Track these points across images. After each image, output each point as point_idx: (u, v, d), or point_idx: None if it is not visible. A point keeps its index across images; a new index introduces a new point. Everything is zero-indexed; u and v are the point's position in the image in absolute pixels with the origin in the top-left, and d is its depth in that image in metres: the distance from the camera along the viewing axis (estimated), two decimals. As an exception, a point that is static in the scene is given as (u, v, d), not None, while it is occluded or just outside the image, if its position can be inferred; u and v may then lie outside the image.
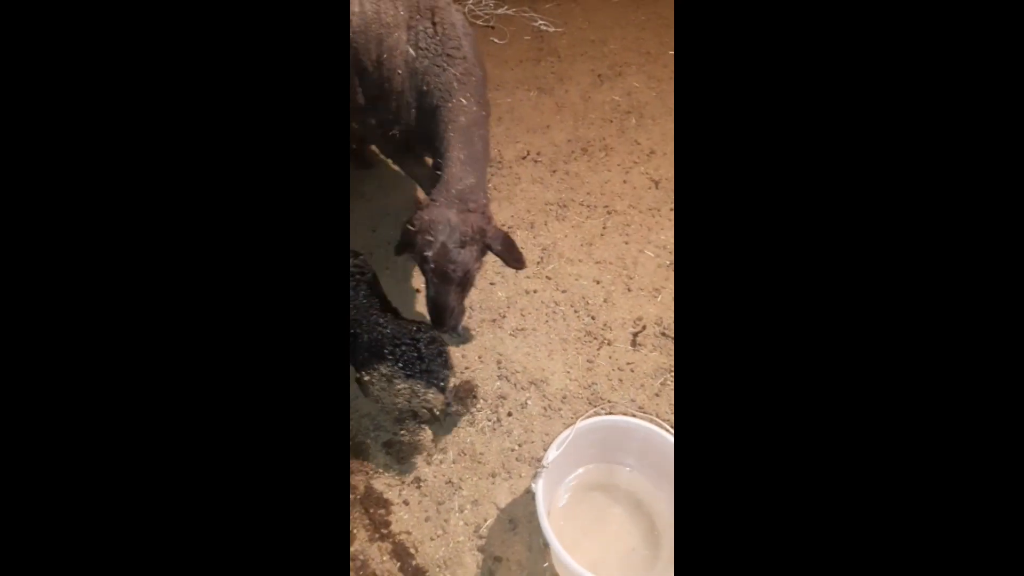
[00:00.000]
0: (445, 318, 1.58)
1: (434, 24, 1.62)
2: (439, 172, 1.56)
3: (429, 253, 1.46)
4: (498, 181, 2.41)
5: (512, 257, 1.58)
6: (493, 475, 1.55)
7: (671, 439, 1.34)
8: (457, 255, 1.45)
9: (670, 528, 1.36)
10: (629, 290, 2.04)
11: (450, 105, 1.56)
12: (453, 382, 1.63)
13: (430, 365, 1.50)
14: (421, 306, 1.97)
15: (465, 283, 1.56)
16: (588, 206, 2.33)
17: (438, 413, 1.51)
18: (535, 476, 1.28)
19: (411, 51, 1.58)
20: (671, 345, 1.88)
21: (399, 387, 1.46)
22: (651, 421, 1.40)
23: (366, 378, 1.49)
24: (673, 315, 1.95)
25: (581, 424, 1.35)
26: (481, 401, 1.72)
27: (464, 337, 1.86)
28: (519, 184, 2.41)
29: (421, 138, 1.69)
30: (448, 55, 1.58)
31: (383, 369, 1.48)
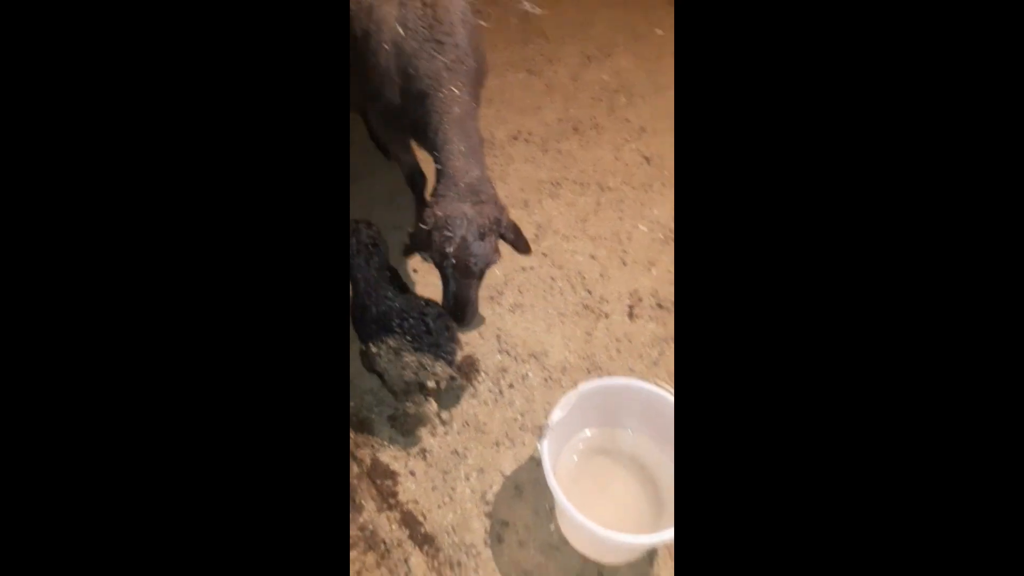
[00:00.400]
0: (468, 314, 1.61)
1: (426, 5, 1.59)
2: (439, 166, 1.54)
3: (450, 249, 1.46)
4: (491, 161, 2.42)
5: (521, 243, 1.59)
6: (497, 444, 1.58)
7: (671, 400, 1.37)
8: (478, 248, 1.46)
9: (668, 488, 1.39)
10: (624, 264, 2.07)
11: (441, 95, 1.53)
12: (457, 357, 1.65)
13: (438, 339, 1.52)
14: (419, 289, 1.99)
15: (483, 275, 1.58)
16: (581, 183, 2.35)
17: (443, 385, 1.53)
18: (540, 436, 1.31)
19: (400, 29, 1.57)
20: (667, 316, 1.91)
21: (407, 359, 1.48)
22: (653, 383, 1.43)
23: (373, 350, 1.51)
24: (668, 287, 1.98)
25: (584, 387, 1.38)
26: (483, 374, 1.74)
27: (476, 324, 1.88)
28: (512, 164, 2.42)
29: (409, 124, 1.67)
30: (438, 41, 1.56)
31: (391, 342, 1.50)
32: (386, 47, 1.59)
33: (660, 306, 1.94)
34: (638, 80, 2.87)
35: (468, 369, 1.66)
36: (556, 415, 1.33)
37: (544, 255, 2.09)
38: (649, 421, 1.43)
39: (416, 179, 2.02)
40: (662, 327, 1.88)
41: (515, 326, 1.88)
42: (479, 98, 1.74)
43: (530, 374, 1.75)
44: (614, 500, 1.43)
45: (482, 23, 3.24)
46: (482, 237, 1.46)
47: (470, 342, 1.83)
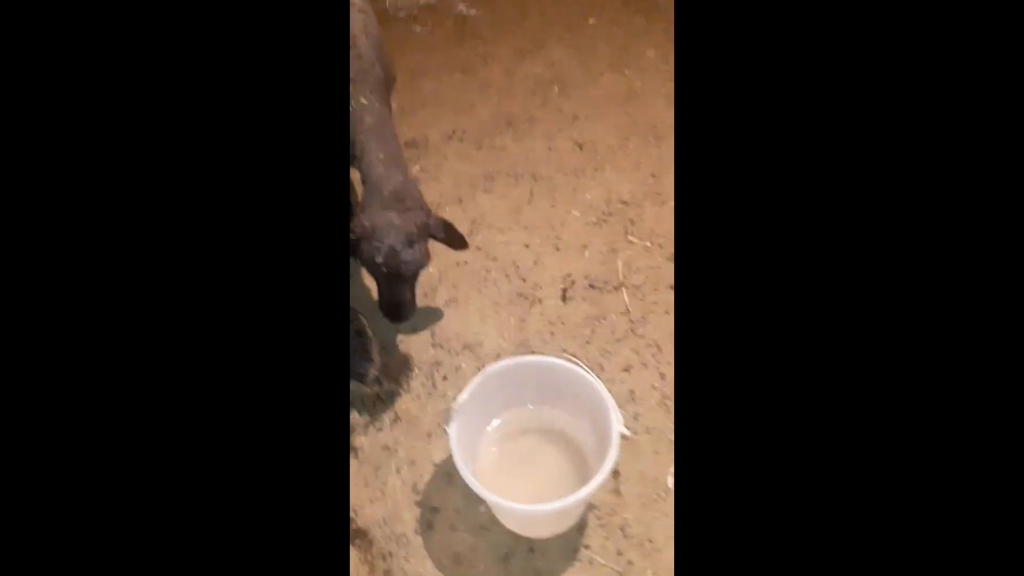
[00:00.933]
0: (403, 314, 1.64)
1: None
2: (361, 176, 1.58)
3: (379, 259, 1.50)
4: (425, 162, 2.46)
5: (454, 240, 1.63)
6: (429, 434, 1.61)
7: (583, 372, 1.40)
8: (407, 255, 1.49)
9: (594, 454, 1.41)
10: (558, 249, 2.10)
11: (351, 107, 1.57)
12: (383, 361, 1.67)
13: (351, 360, 1.56)
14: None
15: (416, 277, 1.61)
16: (515, 175, 2.38)
17: (370, 401, 1.57)
18: (447, 419, 1.34)
19: None
20: (598, 295, 1.94)
21: None
22: (567, 360, 1.46)
23: None
24: (600, 268, 2.01)
25: (492, 368, 1.41)
26: (416, 370, 1.77)
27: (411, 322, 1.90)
28: (445, 163, 2.46)
29: None
30: None
31: None
32: None
33: (592, 286, 1.97)
34: (571, 70, 2.91)
35: (398, 373, 1.69)
36: (462, 397, 1.36)
37: (478, 248, 2.12)
38: (567, 395, 1.45)
39: None
40: (594, 307, 1.91)
41: (449, 320, 1.91)
42: (390, 104, 1.78)
43: (463, 365, 1.78)
44: (540, 475, 1.45)
45: (417, 27, 3.28)
46: (411, 244, 1.49)
47: (404, 341, 1.85)
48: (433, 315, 1.92)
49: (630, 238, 2.10)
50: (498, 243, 2.13)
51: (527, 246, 2.11)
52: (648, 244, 2.07)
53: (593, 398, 1.35)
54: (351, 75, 1.58)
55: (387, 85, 1.76)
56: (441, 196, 2.31)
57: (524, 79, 2.88)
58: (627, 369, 1.74)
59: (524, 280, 2.01)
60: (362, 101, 1.59)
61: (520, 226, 2.18)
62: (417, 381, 1.75)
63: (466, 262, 2.07)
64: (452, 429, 1.30)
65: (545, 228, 2.17)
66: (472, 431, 1.43)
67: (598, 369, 1.75)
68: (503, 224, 2.19)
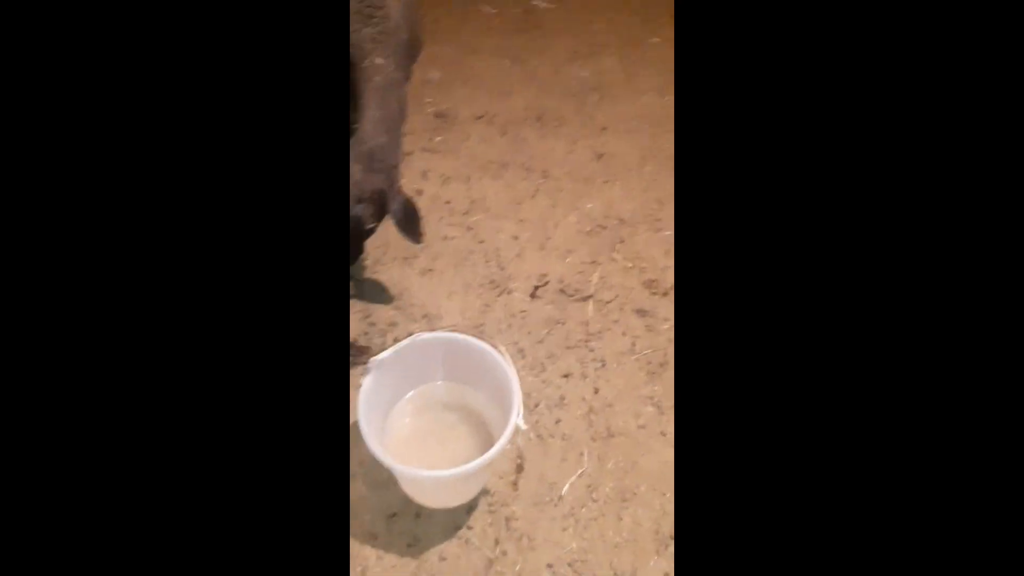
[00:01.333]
0: None
1: None
2: (354, 127, 1.65)
3: None
4: (447, 136, 2.53)
5: (409, 229, 1.66)
6: (358, 387, 1.68)
7: (503, 361, 1.44)
8: (354, 209, 1.56)
9: (500, 429, 1.43)
10: (543, 248, 2.14)
11: (364, 65, 1.64)
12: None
13: None
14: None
15: (358, 238, 1.67)
16: (527, 169, 2.43)
17: None
18: (364, 372, 1.41)
19: None
20: (566, 301, 1.98)
21: None
22: (488, 343, 1.50)
23: None
24: (577, 276, 2.04)
25: (422, 336, 1.47)
26: (371, 328, 1.84)
27: (360, 282, 1.98)
28: (467, 141, 2.52)
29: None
30: (365, 14, 1.66)
31: None
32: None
33: (563, 291, 2.01)
34: (616, 82, 2.93)
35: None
36: (383, 355, 1.42)
37: (468, 228, 2.18)
38: (488, 380, 1.50)
39: None
40: (558, 311, 1.95)
41: (420, 289, 1.98)
42: (409, 70, 1.84)
43: (416, 331, 1.85)
44: (447, 450, 1.51)
45: (487, 7, 3.34)
46: (359, 200, 1.56)
47: (367, 294, 1.93)
48: (405, 280, 1.99)
49: (614, 255, 2.13)
50: (489, 228, 2.18)
51: (515, 238, 2.16)
52: (629, 265, 2.09)
53: (505, 387, 1.40)
54: (373, 34, 1.65)
55: (410, 51, 1.82)
56: (452, 171, 2.37)
57: (568, 80, 2.92)
58: (566, 375, 1.78)
59: (502, 269, 2.06)
60: (377, 60, 1.66)
61: (516, 218, 2.23)
62: (365, 337, 1.82)
63: (454, 238, 2.14)
64: (364, 384, 1.37)
65: (538, 225, 2.21)
66: (388, 396, 1.49)
67: (539, 368, 1.79)
68: (500, 212, 2.25)
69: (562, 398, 1.73)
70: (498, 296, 1.98)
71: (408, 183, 2.30)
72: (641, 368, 1.80)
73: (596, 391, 1.75)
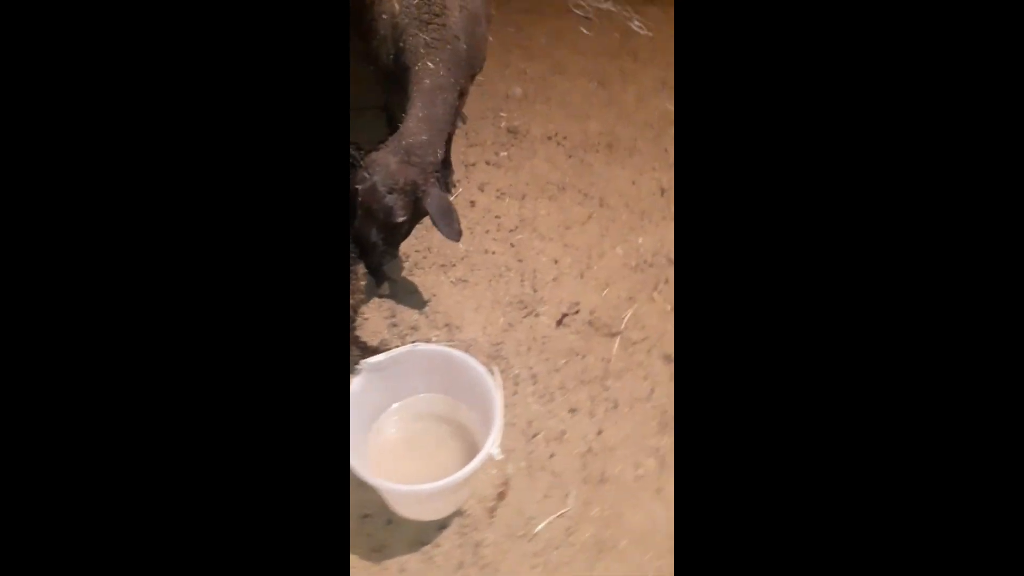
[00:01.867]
0: (365, 253, 1.75)
1: None
2: (399, 124, 1.71)
3: (360, 187, 1.63)
4: (514, 152, 2.53)
5: (446, 225, 1.67)
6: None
7: (483, 369, 1.44)
8: (383, 198, 1.60)
9: (483, 442, 1.42)
10: (581, 276, 2.09)
11: (417, 68, 1.70)
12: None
13: None
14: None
15: (390, 229, 1.69)
16: (585, 194, 2.39)
17: None
18: (353, 372, 1.43)
19: (396, 4, 1.74)
20: (592, 333, 1.92)
21: None
22: (479, 362, 1.49)
23: None
24: (610, 311, 1.98)
25: (419, 347, 1.48)
26: (395, 327, 1.88)
27: (394, 282, 2.02)
28: (532, 159, 2.51)
29: (397, 90, 1.84)
30: (423, 20, 1.72)
31: None
32: (384, 17, 1.77)
33: (590, 324, 1.95)
34: (700, 117, 2.82)
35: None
36: (378, 358, 1.44)
37: (512, 246, 2.17)
38: (482, 401, 1.49)
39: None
40: (582, 342, 1.90)
41: (449, 298, 1.99)
42: (463, 78, 1.87)
43: (435, 339, 1.86)
44: (432, 462, 1.51)
45: (583, 30, 3.33)
46: (391, 191, 1.59)
47: (397, 295, 1.97)
48: (437, 287, 2.02)
49: (655, 294, 2.05)
50: (532, 249, 2.16)
51: (556, 262, 2.13)
52: (668, 308, 2.00)
53: (491, 413, 1.38)
54: (427, 40, 1.70)
55: (468, 63, 1.85)
56: (508, 187, 2.38)
57: (650, 110, 2.84)
58: (573, 410, 1.73)
59: (535, 291, 2.04)
60: (428, 64, 1.71)
61: (561, 242, 2.20)
62: (390, 332, 1.86)
63: (494, 253, 2.14)
64: (352, 386, 1.39)
65: (582, 253, 2.17)
66: (377, 400, 1.51)
67: (548, 398, 1.75)
68: (547, 234, 2.22)
69: (563, 432, 1.68)
70: (524, 317, 1.95)
71: (464, 193, 2.33)
72: (654, 417, 1.72)
73: (600, 432, 1.68)
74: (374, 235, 1.68)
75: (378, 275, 1.86)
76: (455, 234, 1.70)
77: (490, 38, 2.28)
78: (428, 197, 1.64)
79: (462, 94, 1.93)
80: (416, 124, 1.66)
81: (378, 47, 1.81)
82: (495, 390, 1.41)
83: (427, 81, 1.70)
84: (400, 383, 1.54)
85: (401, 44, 1.75)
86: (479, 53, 1.91)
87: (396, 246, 1.82)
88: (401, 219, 1.65)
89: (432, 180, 1.67)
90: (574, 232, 2.24)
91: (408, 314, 1.93)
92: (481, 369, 1.46)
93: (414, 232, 2.10)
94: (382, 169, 1.59)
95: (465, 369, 1.48)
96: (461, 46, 1.78)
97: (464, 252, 2.13)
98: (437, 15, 1.72)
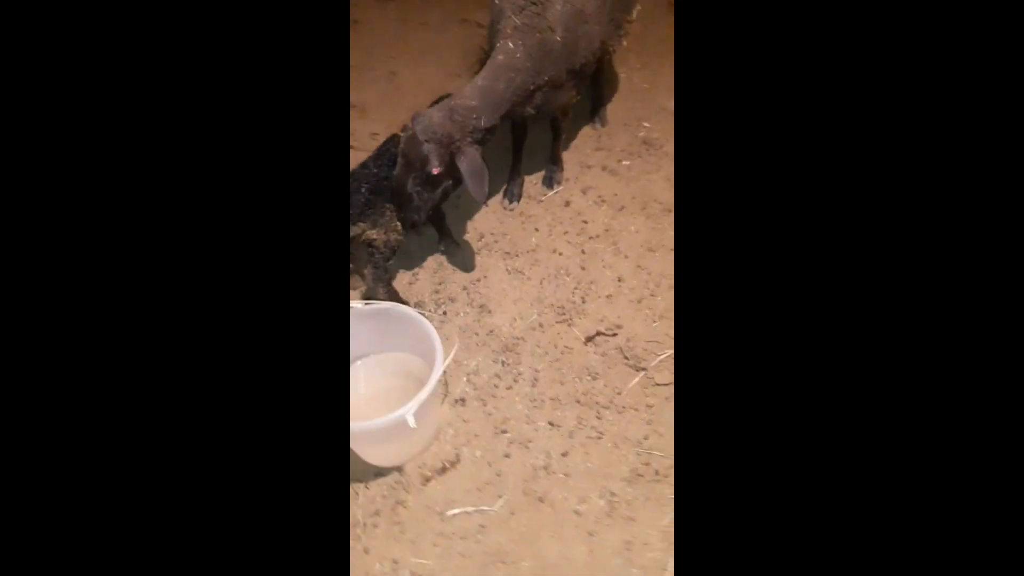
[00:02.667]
0: (402, 204, 1.83)
1: None
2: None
3: (402, 134, 1.76)
4: (638, 162, 2.46)
5: (474, 184, 1.73)
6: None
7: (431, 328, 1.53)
8: (419, 146, 1.69)
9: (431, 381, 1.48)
10: (639, 302, 1.99)
11: (498, 45, 1.78)
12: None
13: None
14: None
15: (426, 182, 1.76)
16: (670, 211, 2.23)
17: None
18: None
19: None
20: (615, 361, 1.84)
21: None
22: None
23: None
24: (644, 344, 1.87)
25: (397, 308, 1.59)
26: (436, 293, 2.01)
27: (456, 245, 2.13)
28: (650, 174, 2.41)
29: None
30: (519, 5, 1.78)
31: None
32: (495, 2, 1.86)
33: (620, 351, 1.87)
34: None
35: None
36: (364, 305, 1.58)
37: (583, 252, 2.14)
38: (421, 345, 1.58)
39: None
40: (603, 366, 1.83)
41: (497, 283, 2.05)
42: (552, 71, 1.87)
43: (464, 315, 1.95)
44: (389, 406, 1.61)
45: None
46: (428, 140, 1.68)
47: (453, 268, 2.08)
48: (492, 269, 2.09)
49: (703, 344, 1.87)
50: (601, 261, 2.11)
51: (619, 280, 2.05)
52: (709, 361, 1.82)
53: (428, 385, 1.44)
54: (517, 24, 1.77)
55: (563, 57, 1.87)
56: (611, 196, 2.32)
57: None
58: (553, 425, 1.69)
59: (583, 302, 2.00)
60: (508, 45, 1.77)
61: (636, 262, 2.11)
62: (430, 298, 2.00)
63: (561, 254, 2.13)
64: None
65: (652, 279, 2.05)
66: (355, 348, 1.65)
67: (537, 403, 1.74)
68: (626, 250, 2.14)
69: (529, 441, 1.66)
70: (555, 323, 1.94)
71: (563, 192, 2.34)
72: (631, 464, 1.61)
73: (565, 454, 1.63)
74: (410, 184, 1.76)
75: (414, 229, 1.95)
76: (481, 195, 1.75)
77: (618, 43, 2.23)
78: (462, 155, 1.70)
79: (555, 86, 1.94)
80: (471, 89, 1.75)
81: (488, 30, 1.92)
82: (439, 364, 1.47)
83: (500, 58, 1.77)
84: (381, 337, 1.67)
85: (498, 27, 1.84)
86: (580, 51, 1.90)
87: (431, 204, 1.87)
88: (435, 170, 1.71)
89: (470, 140, 1.72)
90: (656, 256, 2.13)
91: (454, 287, 2.04)
92: (438, 345, 1.52)
93: (491, 215, 2.19)
94: (423, 120, 1.69)
95: (432, 340, 1.55)
96: (554, 38, 1.80)
97: (533, 245, 2.16)
98: (534, 3, 1.77)
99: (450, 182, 1.82)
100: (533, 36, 1.79)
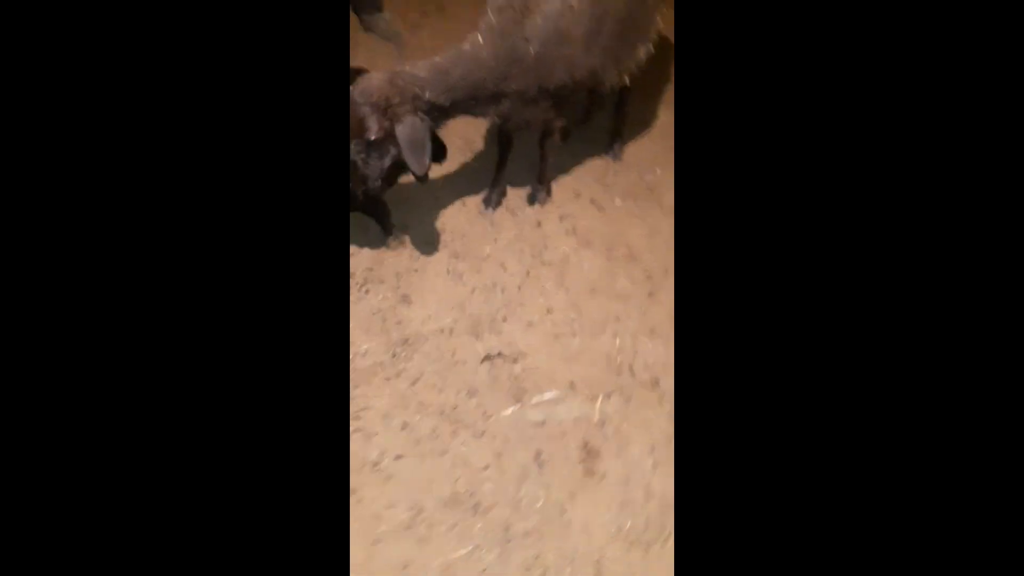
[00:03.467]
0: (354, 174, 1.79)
1: None
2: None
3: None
4: (630, 206, 2.37)
5: (412, 155, 1.68)
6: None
7: None
8: (358, 109, 1.66)
9: None
10: (555, 338, 1.94)
11: (470, 38, 1.76)
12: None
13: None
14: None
15: (370, 148, 1.70)
16: (648, 276, 2.13)
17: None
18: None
19: None
20: (506, 387, 1.81)
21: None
22: None
23: None
24: (539, 376, 1.82)
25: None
26: (366, 270, 2.06)
27: (394, 246, 2.14)
28: (628, 219, 2.32)
29: None
30: (500, 7, 1.76)
31: None
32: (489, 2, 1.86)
33: (513, 378, 1.83)
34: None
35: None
36: None
37: (527, 275, 2.10)
38: None
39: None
40: (485, 386, 1.80)
41: (432, 278, 2.06)
42: (519, 82, 1.82)
43: (383, 298, 1.99)
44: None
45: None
46: (363, 103, 1.65)
47: (396, 250, 2.12)
48: (431, 264, 2.10)
49: (593, 398, 1.79)
50: (536, 286, 2.07)
51: (548, 311, 2.00)
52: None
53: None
54: (492, 23, 1.76)
55: (533, 71, 1.81)
56: (588, 230, 2.25)
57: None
58: (406, 427, 1.69)
59: (501, 320, 1.97)
60: (479, 39, 1.75)
61: (565, 297, 2.04)
62: (360, 272, 2.05)
63: (505, 270, 2.11)
64: None
65: (569, 317, 1.99)
66: None
67: (403, 404, 1.75)
68: (561, 279, 2.08)
69: (375, 434, 1.67)
70: (465, 333, 1.92)
71: (539, 214, 2.30)
72: (452, 488, 1.58)
73: (399, 458, 1.63)
74: (354, 150, 1.72)
75: (371, 200, 1.93)
76: (419, 167, 1.71)
77: (617, 79, 2.13)
78: (400, 122, 1.66)
79: (525, 100, 1.88)
80: (424, 63, 1.71)
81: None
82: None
83: (466, 47, 1.75)
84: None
85: (481, 26, 1.80)
86: (554, 71, 1.84)
87: (379, 172, 1.80)
88: (374, 136, 1.67)
89: (410, 108, 1.67)
90: (592, 298, 2.05)
91: (387, 271, 2.06)
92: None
93: (462, 214, 2.18)
94: (363, 82, 1.67)
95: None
96: (527, 49, 1.76)
97: (485, 254, 2.15)
98: (515, 10, 1.75)
99: (397, 151, 1.75)
100: (506, 40, 1.76)
